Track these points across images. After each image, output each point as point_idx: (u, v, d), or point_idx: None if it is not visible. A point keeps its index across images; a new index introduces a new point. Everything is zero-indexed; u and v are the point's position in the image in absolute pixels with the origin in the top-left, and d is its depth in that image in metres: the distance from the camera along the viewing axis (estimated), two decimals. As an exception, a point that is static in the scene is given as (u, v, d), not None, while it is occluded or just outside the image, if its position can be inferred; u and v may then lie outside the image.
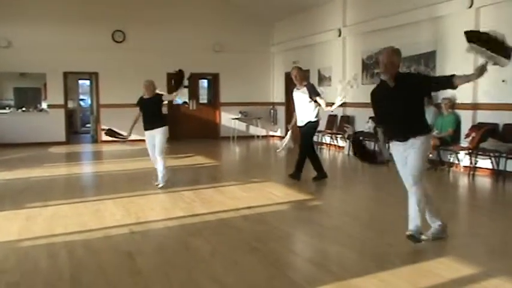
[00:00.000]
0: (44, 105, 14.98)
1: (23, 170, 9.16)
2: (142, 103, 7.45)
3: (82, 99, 19.67)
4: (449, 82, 4.21)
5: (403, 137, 4.34)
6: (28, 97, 15.98)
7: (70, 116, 16.13)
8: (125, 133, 7.60)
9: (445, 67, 8.98)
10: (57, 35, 13.76)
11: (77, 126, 18.57)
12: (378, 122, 4.74)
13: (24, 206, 6.09)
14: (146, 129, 7.43)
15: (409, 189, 4.37)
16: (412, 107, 4.36)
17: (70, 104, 16.27)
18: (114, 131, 7.72)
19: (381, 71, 4.34)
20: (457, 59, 8.65)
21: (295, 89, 7.64)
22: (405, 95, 4.29)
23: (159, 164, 7.42)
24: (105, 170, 9.41)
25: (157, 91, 7.51)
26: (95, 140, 15.17)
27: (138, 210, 5.94)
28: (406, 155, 4.34)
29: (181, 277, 3.70)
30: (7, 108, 15.09)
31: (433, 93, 8.95)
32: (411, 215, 4.34)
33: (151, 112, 7.40)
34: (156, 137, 7.37)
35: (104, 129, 7.78)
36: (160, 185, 7.30)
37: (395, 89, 4.31)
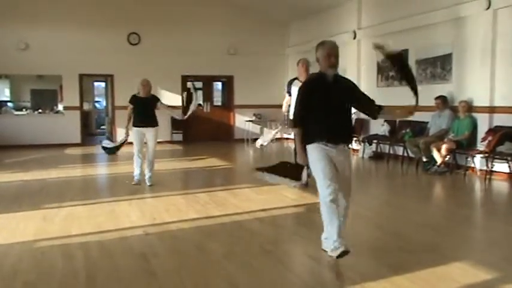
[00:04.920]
0: (60, 107, 15.19)
1: (40, 171, 9.26)
2: (137, 101, 7.50)
3: (97, 101, 19.87)
4: (374, 111, 4.10)
5: (339, 139, 4.03)
6: (44, 99, 16.23)
7: (85, 117, 16.29)
8: (120, 138, 7.68)
9: (462, 70, 8.91)
10: (74, 37, 13.91)
11: (92, 128, 18.76)
12: (301, 119, 4.08)
13: (40, 207, 6.16)
14: (138, 126, 7.49)
15: (332, 211, 3.92)
16: (349, 108, 4.15)
17: (85, 106, 16.46)
18: (113, 147, 7.79)
19: (332, 64, 3.99)
20: (474, 61, 8.60)
21: (297, 81, 7.12)
22: (344, 93, 4.08)
23: (150, 163, 7.56)
24: (119, 172, 9.47)
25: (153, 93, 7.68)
26: (110, 141, 15.29)
27: (152, 211, 5.98)
28: (335, 162, 4.01)
29: (195, 279, 3.71)
30: (24, 109, 15.32)
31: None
32: (339, 228, 3.91)
33: (147, 111, 7.50)
34: (148, 136, 7.51)
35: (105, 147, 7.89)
36: (150, 184, 7.52)
37: (335, 85, 4.05)
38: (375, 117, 4.15)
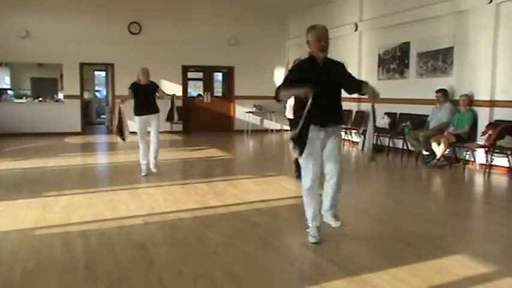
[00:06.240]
0: (60, 95, 15.15)
1: (40, 160, 9.27)
2: (138, 89, 7.52)
3: (98, 91, 19.82)
4: (360, 88, 4.18)
5: (328, 121, 4.14)
6: (45, 87, 16.19)
7: (86, 106, 16.27)
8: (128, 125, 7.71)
9: (463, 63, 8.88)
10: (74, 26, 13.87)
11: (93, 117, 18.74)
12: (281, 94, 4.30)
13: (40, 195, 6.17)
14: (141, 114, 7.53)
15: (310, 197, 4.25)
16: (340, 92, 4.24)
17: (86, 95, 16.42)
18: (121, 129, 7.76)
19: (322, 48, 4.06)
20: (476, 55, 8.56)
21: None
22: (335, 77, 4.17)
23: (155, 149, 7.66)
24: (119, 161, 9.48)
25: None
26: (110, 131, 15.29)
27: (152, 201, 5.98)
28: (324, 143, 4.17)
29: (194, 269, 3.72)
30: (24, 98, 15.29)
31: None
32: (331, 204, 4.26)
33: (148, 98, 7.56)
34: (152, 122, 7.59)
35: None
36: (156, 171, 7.62)
37: (325, 69, 4.12)
38: (360, 93, 4.23)
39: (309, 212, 4.30)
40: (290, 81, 4.22)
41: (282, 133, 15.37)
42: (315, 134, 4.13)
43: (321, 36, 4.07)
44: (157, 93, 7.68)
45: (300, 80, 4.09)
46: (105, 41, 14.07)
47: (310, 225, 4.31)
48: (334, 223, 4.28)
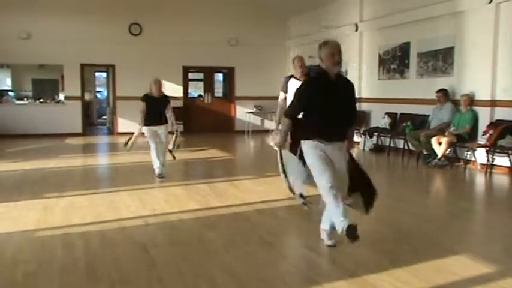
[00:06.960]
0: (61, 96, 15.16)
1: (40, 161, 9.27)
2: (150, 101, 7.50)
3: (98, 91, 19.83)
4: (352, 121, 4.28)
5: (334, 137, 4.13)
6: (46, 88, 16.23)
7: (86, 107, 16.28)
8: (135, 132, 7.76)
9: (464, 63, 8.87)
10: (75, 27, 13.88)
11: (93, 118, 18.74)
12: (295, 115, 4.24)
13: (41, 196, 6.17)
14: (149, 124, 7.53)
15: (334, 196, 3.98)
16: (350, 108, 4.24)
17: (87, 96, 16.43)
18: (128, 141, 7.86)
19: (336, 62, 4.04)
20: (476, 55, 8.56)
21: (293, 79, 6.85)
22: (345, 93, 4.20)
23: (164, 157, 7.63)
24: (120, 162, 9.47)
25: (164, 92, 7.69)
26: (111, 131, 15.30)
27: (153, 202, 5.98)
28: (332, 159, 4.11)
29: (195, 269, 3.72)
30: (25, 99, 15.31)
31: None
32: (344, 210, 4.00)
33: (159, 111, 7.57)
34: (160, 133, 7.60)
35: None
36: (163, 177, 7.50)
37: (337, 85, 4.13)
38: (348, 126, 4.30)
39: (337, 213, 3.96)
40: (300, 107, 4.19)
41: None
42: (321, 146, 4.10)
43: (334, 52, 4.06)
44: (166, 110, 7.63)
45: (312, 97, 4.09)
46: (106, 42, 14.07)
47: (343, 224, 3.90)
48: (329, 242, 4.21)
